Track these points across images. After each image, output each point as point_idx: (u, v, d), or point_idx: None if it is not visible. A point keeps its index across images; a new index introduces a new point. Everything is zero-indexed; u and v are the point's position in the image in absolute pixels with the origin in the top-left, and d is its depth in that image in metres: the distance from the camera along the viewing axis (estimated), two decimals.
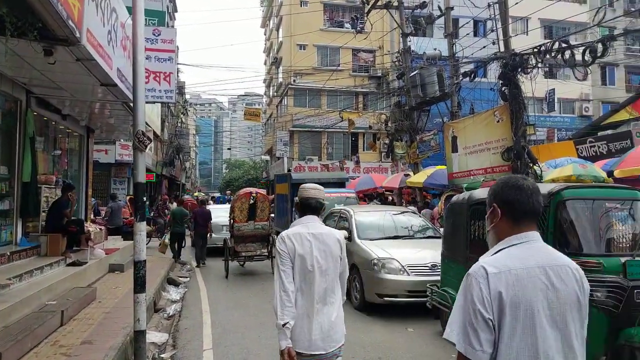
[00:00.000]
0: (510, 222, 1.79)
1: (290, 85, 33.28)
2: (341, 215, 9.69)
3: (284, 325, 2.90)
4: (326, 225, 3.38)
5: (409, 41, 17.95)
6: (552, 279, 1.70)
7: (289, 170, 25.85)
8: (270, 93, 43.51)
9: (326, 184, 15.83)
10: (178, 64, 33.24)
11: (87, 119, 11.35)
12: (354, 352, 5.76)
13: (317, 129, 32.65)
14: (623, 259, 4.43)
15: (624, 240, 4.74)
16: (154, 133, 22.60)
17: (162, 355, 5.83)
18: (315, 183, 3.42)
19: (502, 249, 1.77)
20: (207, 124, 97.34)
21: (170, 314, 7.83)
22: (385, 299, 7.40)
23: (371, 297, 7.62)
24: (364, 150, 33.63)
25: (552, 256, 1.77)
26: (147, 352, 5.38)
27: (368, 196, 19.94)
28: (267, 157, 44.79)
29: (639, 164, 9.46)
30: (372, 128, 26.45)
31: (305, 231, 3.09)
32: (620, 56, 31.44)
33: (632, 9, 24.70)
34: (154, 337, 6.30)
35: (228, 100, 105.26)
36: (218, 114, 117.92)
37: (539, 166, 10.96)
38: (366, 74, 33.63)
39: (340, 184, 16.52)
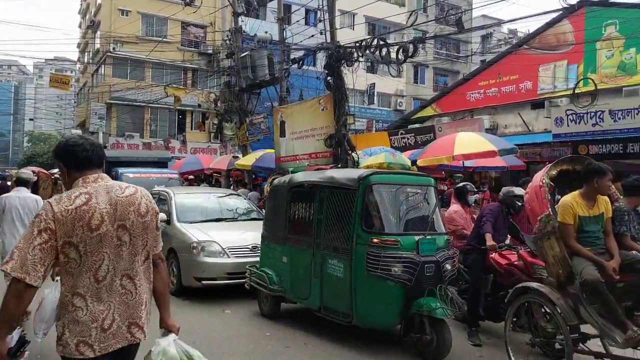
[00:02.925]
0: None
1: (109, 53, 30.20)
2: (160, 196, 9.12)
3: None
4: None
5: (241, 21, 17.68)
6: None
7: (104, 147, 23.68)
8: (86, 60, 39.07)
9: (146, 163, 14.86)
10: None
11: None
12: None
13: (139, 104, 30.25)
14: (417, 237, 4.95)
15: (419, 220, 5.31)
16: None
17: None
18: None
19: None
20: (5, 89, 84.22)
21: None
22: (204, 282, 7.18)
23: (189, 281, 7.34)
24: (191, 129, 32.28)
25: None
26: None
27: (198, 178, 19.26)
28: (79, 132, 40.17)
29: (437, 154, 10.68)
30: (200, 107, 25.62)
31: (15, 195, 5.64)
32: (430, 58, 35.55)
33: (440, 17, 28.01)
34: None
35: (33, 64, 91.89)
36: (20, 79, 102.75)
37: (357, 153, 11.79)
38: (196, 49, 32.28)
39: (163, 163, 15.70)
